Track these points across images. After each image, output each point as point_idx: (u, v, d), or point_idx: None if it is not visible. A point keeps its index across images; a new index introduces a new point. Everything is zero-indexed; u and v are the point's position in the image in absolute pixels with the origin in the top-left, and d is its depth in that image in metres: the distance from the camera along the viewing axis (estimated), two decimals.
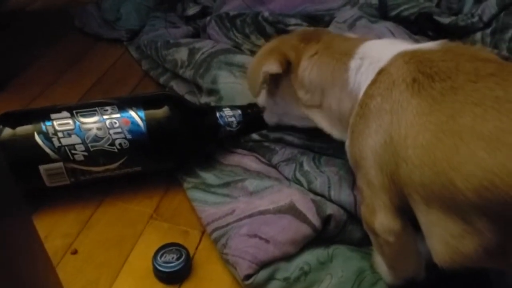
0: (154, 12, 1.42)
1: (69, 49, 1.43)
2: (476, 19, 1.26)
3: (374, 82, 0.66)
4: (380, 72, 0.66)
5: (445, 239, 0.57)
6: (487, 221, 0.53)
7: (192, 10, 1.41)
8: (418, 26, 1.28)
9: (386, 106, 0.62)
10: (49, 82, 1.28)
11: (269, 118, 0.94)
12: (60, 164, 0.84)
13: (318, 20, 1.21)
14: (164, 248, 0.80)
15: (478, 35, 1.25)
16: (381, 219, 0.64)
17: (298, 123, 0.90)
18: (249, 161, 0.93)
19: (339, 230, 0.79)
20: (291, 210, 0.78)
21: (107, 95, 1.22)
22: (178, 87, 1.16)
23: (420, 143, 0.57)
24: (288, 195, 0.80)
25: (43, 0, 1.71)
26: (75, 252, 0.83)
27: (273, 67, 0.79)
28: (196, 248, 0.83)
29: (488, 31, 1.24)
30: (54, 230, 0.87)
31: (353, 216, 0.80)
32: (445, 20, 1.25)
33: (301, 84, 0.79)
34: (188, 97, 1.12)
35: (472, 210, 0.53)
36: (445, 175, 0.54)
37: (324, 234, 0.78)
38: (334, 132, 0.79)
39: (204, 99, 1.07)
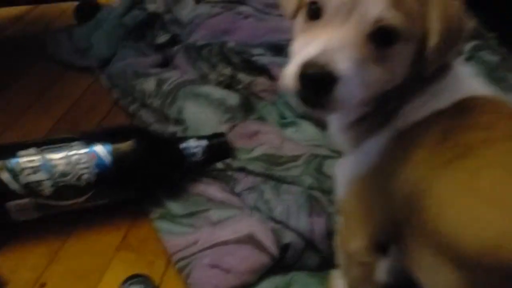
0: (124, 41, 1.45)
1: (40, 77, 1.44)
2: None
3: (425, 124, 0.62)
4: (436, 115, 0.62)
5: (439, 283, 0.59)
6: (483, 277, 0.55)
7: (162, 39, 1.45)
8: None
9: (421, 154, 0.60)
10: (20, 111, 1.30)
11: (354, 95, 0.57)
12: (27, 200, 0.87)
13: (281, 50, 1.26)
14: (131, 279, 0.83)
15: None
16: (359, 241, 0.66)
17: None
18: (213, 190, 0.96)
19: (297, 257, 0.83)
20: (251, 240, 0.82)
21: (78, 124, 1.25)
22: (147, 116, 1.19)
23: (439, 196, 0.57)
24: (248, 225, 0.84)
25: (14, 28, 1.73)
26: (43, 285, 0.85)
27: None
28: (162, 278, 0.86)
29: None
30: (22, 263, 0.89)
31: (311, 243, 0.84)
32: None
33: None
34: (156, 125, 1.16)
35: (476, 264, 0.54)
36: (455, 230, 0.55)
37: (283, 262, 0.82)
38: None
39: (171, 128, 1.10)
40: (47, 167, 0.88)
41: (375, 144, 0.64)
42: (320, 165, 0.98)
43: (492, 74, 1.27)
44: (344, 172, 0.69)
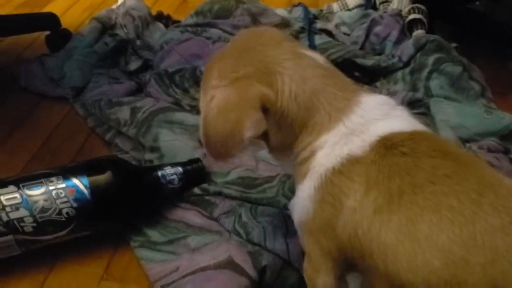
0: (97, 69, 1.47)
1: (14, 109, 1.45)
2: (396, 59, 1.39)
3: (349, 176, 0.64)
4: (355, 165, 0.64)
5: None
6: None
7: (134, 65, 1.48)
8: (344, 68, 1.38)
9: (354, 203, 0.63)
10: None
11: None
12: (10, 237, 0.89)
13: None
14: None
15: (399, 74, 1.37)
16: (326, 279, 0.69)
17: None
18: (192, 216, 0.99)
19: (274, 277, 0.86)
20: (230, 265, 0.85)
21: (56, 154, 1.27)
22: (123, 144, 1.22)
23: (383, 241, 0.59)
24: (226, 249, 0.87)
25: None
26: None
27: (260, 126, 0.66)
28: None
29: (407, 70, 1.36)
30: None
31: (287, 263, 0.87)
32: (368, 62, 1.37)
33: (276, 124, 0.69)
34: (133, 153, 1.18)
35: None
36: (406, 275, 0.58)
37: (262, 283, 0.85)
38: (284, 166, 0.79)
39: (147, 156, 1.13)
40: (28, 203, 0.90)
41: (304, 190, 0.69)
42: (294, 185, 1.02)
43: (456, 85, 1.33)
44: (294, 214, 0.73)
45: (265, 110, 0.66)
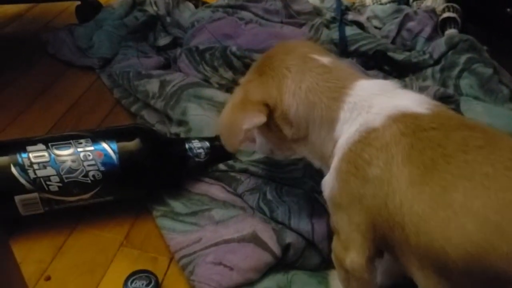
0: (126, 41, 1.47)
1: (41, 75, 1.46)
2: (427, 56, 1.37)
3: (365, 142, 0.67)
4: (371, 132, 0.67)
5: None
6: (472, 283, 0.59)
7: (163, 41, 1.47)
8: (375, 60, 1.38)
9: (380, 172, 0.64)
10: (21, 109, 1.31)
11: (263, 151, 0.94)
12: (35, 194, 0.89)
13: None
14: (134, 274, 0.85)
15: (429, 71, 1.36)
16: (354, 257, 0.68)
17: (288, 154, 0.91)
18: (216, 190, 0.99)
19: (297, 256, 0.86)
20: (254, 239, 0.84)
21: (80, 122, 1.27)
22: (149, 116, 1.22)
23: (415, 212, 0.60)
24: (251, 224, 0.87)
25: (15, 24, 1.74)
26: (48, 278, 0.87)
27: (256, 119, 0.76)
28: (165, 274, 0.88)
29: (437, 68, 1.35)
30: (28, 256, 0.91)
31: (311, 243, 0.87)
32: (399, 56, 1.35)
33: (285, 120, 0.77)
34: (158, 126, 1.18)
35: (460, 273, 0.58)
36: (439, 243, 0.58)
37: (284, 261, 0.85)
38: (315, 162, 0.81)
39: (174, 129, 1.13)
40: (56, 163, 0.90)
41: (332, 166, 0.71)
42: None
43: (485, 86, 1.32)
44: (325, 191, 0.73)
45: (272, 109, 0.76)
